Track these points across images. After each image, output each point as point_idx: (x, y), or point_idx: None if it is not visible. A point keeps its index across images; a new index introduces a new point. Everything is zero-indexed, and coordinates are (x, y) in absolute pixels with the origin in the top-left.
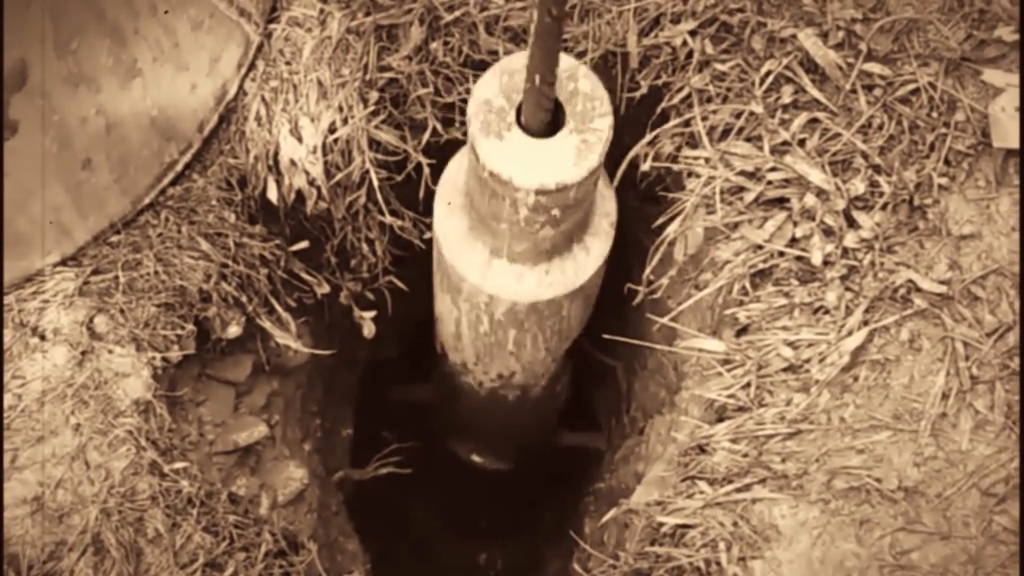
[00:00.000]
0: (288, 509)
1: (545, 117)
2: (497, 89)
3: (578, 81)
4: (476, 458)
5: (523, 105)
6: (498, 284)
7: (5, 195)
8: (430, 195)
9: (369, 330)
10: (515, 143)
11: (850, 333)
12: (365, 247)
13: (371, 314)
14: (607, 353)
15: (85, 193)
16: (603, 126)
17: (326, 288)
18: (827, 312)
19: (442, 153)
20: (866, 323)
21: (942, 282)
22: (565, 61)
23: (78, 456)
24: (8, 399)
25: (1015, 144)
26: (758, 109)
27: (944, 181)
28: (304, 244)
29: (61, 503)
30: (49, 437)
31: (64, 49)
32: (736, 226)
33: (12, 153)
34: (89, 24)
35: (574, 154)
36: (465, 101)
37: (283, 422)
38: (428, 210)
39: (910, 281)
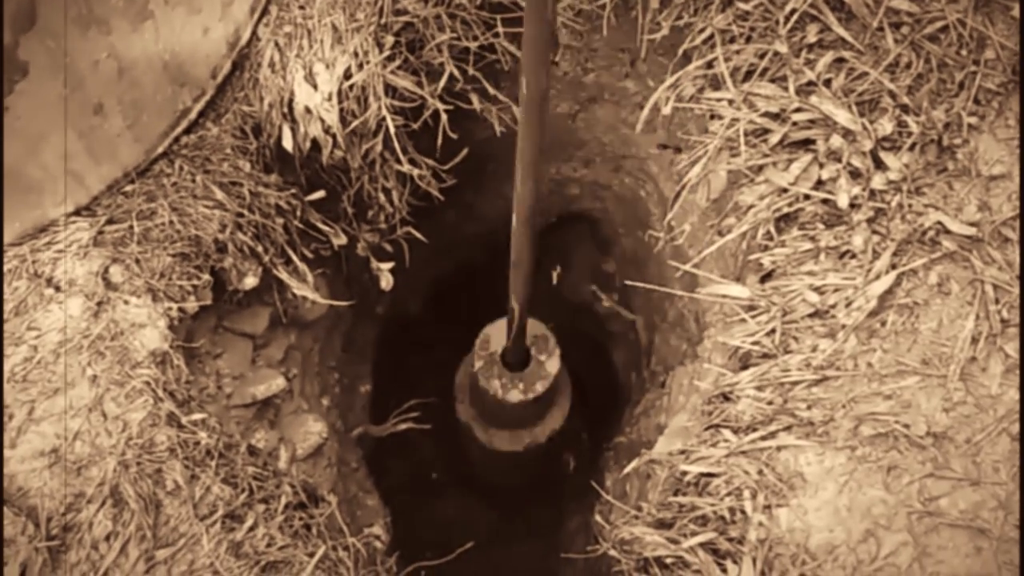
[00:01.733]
0: (307, 463)
1: (522, 357)
2: (490, 342)
3: (538, 335)
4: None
5: (506, 352)
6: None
7: (16, 139)
8: (448, 143)
9: (387, 282)
10: (503, 374)
11: (877, 277)
12: (382, 197)
13: (389, 265)
14: (626, 307)
15: (97, 139)
16: (554, 362)
17: (343, 239)
18: (854, 256)
19: (460, 99)
20: (894, 267)
21: (972, 224)
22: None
23: (95, 408)
24: (24, 351)
25: None
26: (783, 49)
27: (974, 120)
28: (320, 194)
29: (79, 455)
30: (66, 389)
31: None
32: (760, 169)
33: (23, 96)
34: None
35: (539, 377)
36: (483, 47)
37: (301, 376)
38: (445, 158)
39: (939, 223)
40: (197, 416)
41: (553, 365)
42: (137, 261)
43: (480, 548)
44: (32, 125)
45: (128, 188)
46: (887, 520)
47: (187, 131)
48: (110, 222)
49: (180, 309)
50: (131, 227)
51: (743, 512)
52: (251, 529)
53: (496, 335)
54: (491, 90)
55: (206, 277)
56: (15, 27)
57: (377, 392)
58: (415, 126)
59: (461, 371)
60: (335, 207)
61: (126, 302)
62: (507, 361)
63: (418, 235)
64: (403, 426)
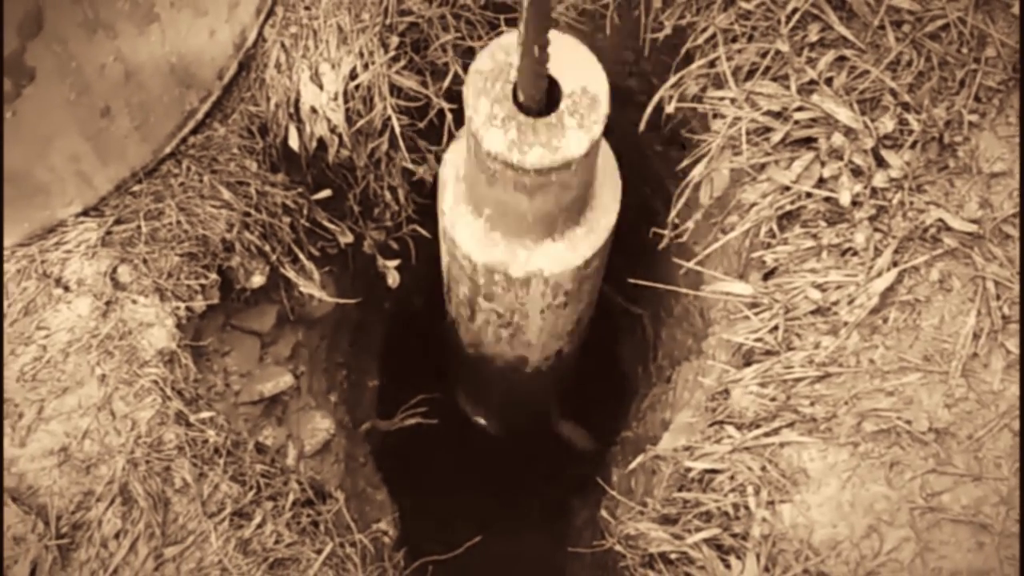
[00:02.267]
0: (315, 459)
1: (541, 94)
2: (492, 70)
3: (571, 54)
4: (480, 420)
5: (519, 84)
6: (507, 261)
7: (24, 142)
8: (453, 141)
9: (393, 279)
10: (514, 124)
11: (879, 274)
12: (388, 195)
13: (395, 263)
14: (632, 301)
15: (105, 141)
16: (601, 97)
17: (349, 237)
18: (856, 253)
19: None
20: (895, 264)
21: (973, 221)
22: (558, 36)
23: (104, 406)
24: (33, 350)
25: None
26: (784, 48)
27: (974, 118)
28: (327, 193)
29: (88, 453)
30: (74, 388)
31: None
32: (762, 167)
33: (30, 101)
34: None
35: (574, 129)
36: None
37: (309, 373)
38: None
39: (940, 220)
40: (205, 414)
41: (582, 139)
42: (145, 261)
43: (488, 542)
44: (40, 129)
45: (136, 188)
46: (890, 516)
47: (194, 131)
48: (118, 222)
49: (188, 308)
50: (139, 227)
51: (747, 508)
52: (259, 526)
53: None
54: None
55: (213, 276)
56: (22, 33)
57: (385, 387)
58: (421, 125)
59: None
60: (341, 205)
61: (134, 301)
62: (521, 101)
63: (424, 232)
64: (411, 421)
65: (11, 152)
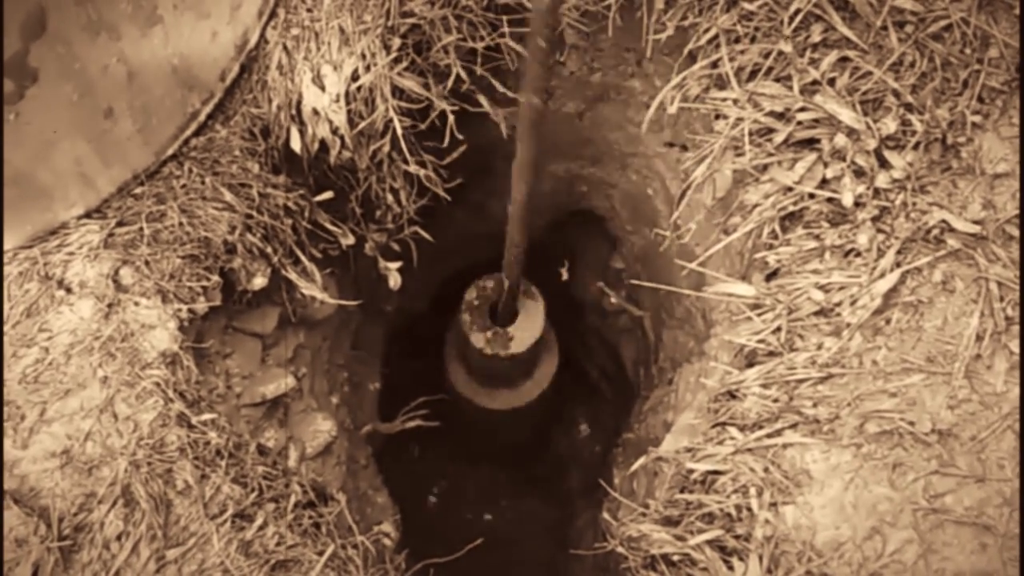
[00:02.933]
0: (316, 461)
1: (511, 318)
2: (476, 296)
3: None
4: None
5: (499, 310)
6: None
7: (26, 145)
8: (455, 143)
9: (395, 281)
10: (491, 330)
11: (882, 275)
12: (390, 197)
13: (397, 265)
14: (634, 304)
15: (108, 143)
16: (539, 320)
17: (351, 239)
18: (859, 254)
19: (466, 100)
20: (898, 265)
21: (976, 222)
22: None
23: (106, 408)
24: (35, 352)
25: None
26: (787, 48)
27: (977, 119)
28: (328, 194)
29: (90, 455)
30: (77, 390)
31: None
32: (765, 168)
33: (33, 101)
34: None
35: (524, 334)
36: (489, 47)
37: (310, 374)
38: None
39: (943, 221)
40: (207, 416)
41: (536, 326)
42: (147, 263)
43: (489, 545)
44: (43, 130)
45: (138, 190)
46: (892, 517)
47: (196, 133)
48: (120, 224)
49: (190, 310)
50: (141, 229)
51: (749, 509)
52: (261, 528)
53: (487, 290)
54: (499, 89)
55: (215, 278)
56: (25, 34)
57: (386, 390)
58: (423, 126)
59: (452, 329)
60: (343, 207)
61: (136, 304)
62: (495, 317)
63: (425, 235)
64: (412, 423)
65: (14, 154)
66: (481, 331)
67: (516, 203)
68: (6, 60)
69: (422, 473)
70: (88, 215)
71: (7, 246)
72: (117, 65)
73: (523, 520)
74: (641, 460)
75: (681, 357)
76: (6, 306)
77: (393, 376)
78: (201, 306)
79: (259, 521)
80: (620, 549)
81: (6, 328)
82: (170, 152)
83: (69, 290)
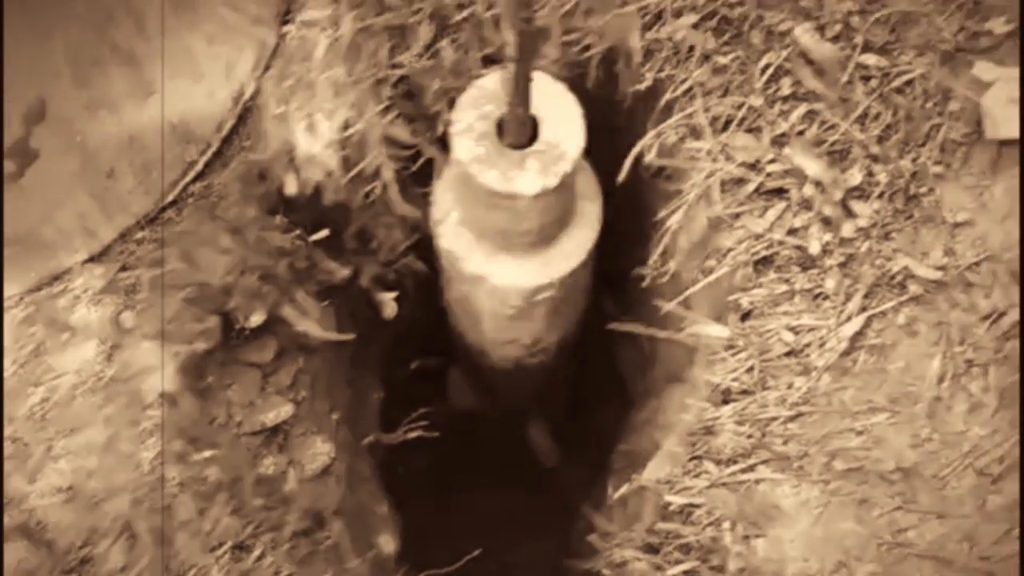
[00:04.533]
0: (315, 482)
1: (525, 133)
2: (476, 112)
3: (548, 92)
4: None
5: (505, 126)
6: (505, 275)
7: (30, 211)
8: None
9: (391, 310)
10: (501, 158)
11: (849, 319)
12: (383, 232)
13: (392, 295)
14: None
15: (110, 199)
16: (576, 130)
17: (346, 272)
18: (827, 298)
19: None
20: (864, 309)
21: (938, 268)
22: (548, 82)
23: (109, 447)
24: (42, 391)
25: (1008, 135)
26: (757, 102)
27: (939, 169)
28: (324, 233)
29: (94, 491)
30: (81, 428)
31: (82, 82)
32: (738, 216)
33: (35, 174)
34: (104, 56)
35: (552, 160)
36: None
37: (310, 397)
38: None
39: (906, 268)
40: (206, 453)
41: (575, 140)
42: (148, 307)
43: (489, 555)
44: (45, 197)
45: (138, 235)
46: (859, 551)
47: (195, 180)
48: (122, 269)
49: (190, 350)
50: (140, 274)
51: (723, 542)
52: (259, 559)
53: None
54: None
55: (214, 319)
56: (27, 121)
57: (388, 400)
58: (414, 168)
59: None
60: (338, 243)
61: (138, 346)
62: (505, 135)
63: (420, 265)
64: (414, 434)
65: (17, 219)
66: (485, 161)
67: None
68: (8, 147)
69: (423, 485)
70: (91, 259)
71: (12, 291)
72: (118, 132)
73: (523, 531)
74: (624, 488)
75: (673, 369)
76: (14, 347)
77: (395, 386)
78: (200, 347)
79: (257, 551)
80: (606, 572)
81: (15, 368)
82: (170, 199)
83: (73, 332)
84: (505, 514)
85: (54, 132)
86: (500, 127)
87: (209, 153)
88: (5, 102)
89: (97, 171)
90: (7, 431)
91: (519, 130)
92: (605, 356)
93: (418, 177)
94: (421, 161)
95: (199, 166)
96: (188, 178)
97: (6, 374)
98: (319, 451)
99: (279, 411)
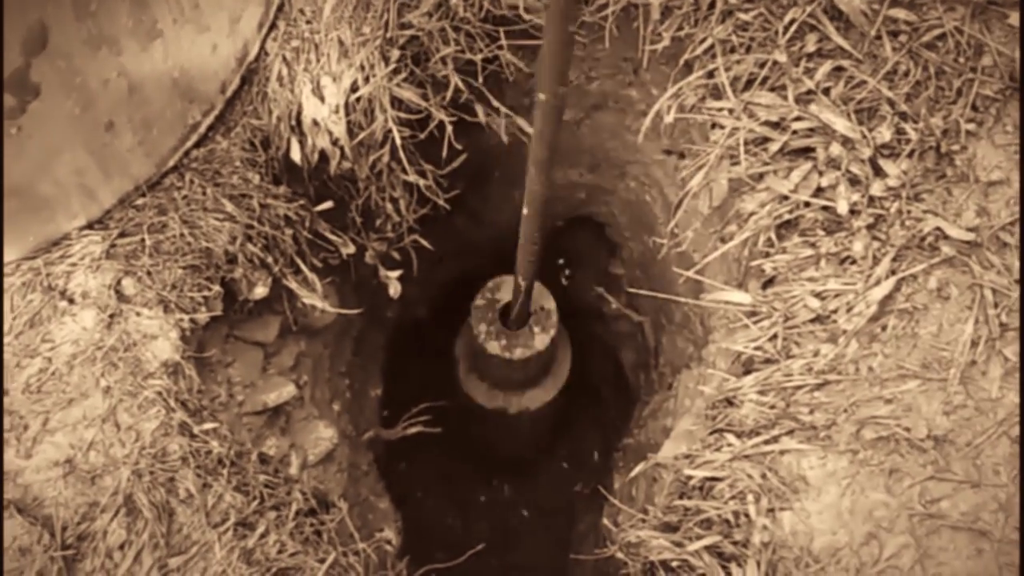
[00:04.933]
0: (318, 469)
1: (525, 320)
2: (487, 303)
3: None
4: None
5: (511, 314)
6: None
7: (27, 158)
8: (453, 153)
9: (395, 289)
10: (504, 334)
11: (878, 282)
12: (389, 206)
13: (397, 273)
14: (633, 309)
15: (109, 155)
16: (552, 318)
17: (351, 248)
18: (854, 262)
19: (465, 110)
20: (894, 272)
21: (970, 229)
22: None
23: (108, 418)
24: (38, 362)
25: None
26: (782, 58)
27: (971, 127)
28: (328, 204)
29: (93, 465)
30: (79, 400)
31: (84, 11)
32: (761, 177)
33: (35, 116)
34: None
35: (538, 336)
36: (487, 59)
37: (312, 382)
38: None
39: (938, 229)
40: (209, 425)
41: (545, 339)
42: (149, 273)
43: (491, 550)
44: (44, 143)
45: (139, 201)
46: (889, 523)
47: (197, 145)
48: (122, 235)
49: (191, 320)
50: (143, 240)
51: (747, 516)
52: (263, 536)
53: (496, 293)
54: (495, 101)
55: (217, 288)
56: (26, 50)
57: (388, 396)
58: (421, 136)
59: (462, 334)
60: (343, 216)
61: (138, 314)
62: (507, 320)
63: (425, 243)
64: (413, 429)
65: (16, 167)
66: (495, 337)
67: (534, 197)
68: (7, 76)
69: (424, 478)
70: (90, 226)
71: (10, 257)
72: (118, 79)
73: (525, 525)
74: (640, 466)
75: (680, 362)
76: (9, 316)
77: (395, 381)
78: (202, 316)
79: (261, 529)
80: (620, 555)
81: (9, 339)
82: (171, 163)
83: (72, 301)
84: (509, 509)
85: (54, 68)
86: (504, 313)
87: (212, 116)
88: (5, 23)
89: (96, 121)
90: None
91: (519, 318)
92: (606, 354)
93: (426, 146)
94: (431, 127)
95: (202, 129)
96: (190, 143)
97: None
98: (322, 436)
99: (281, 391)
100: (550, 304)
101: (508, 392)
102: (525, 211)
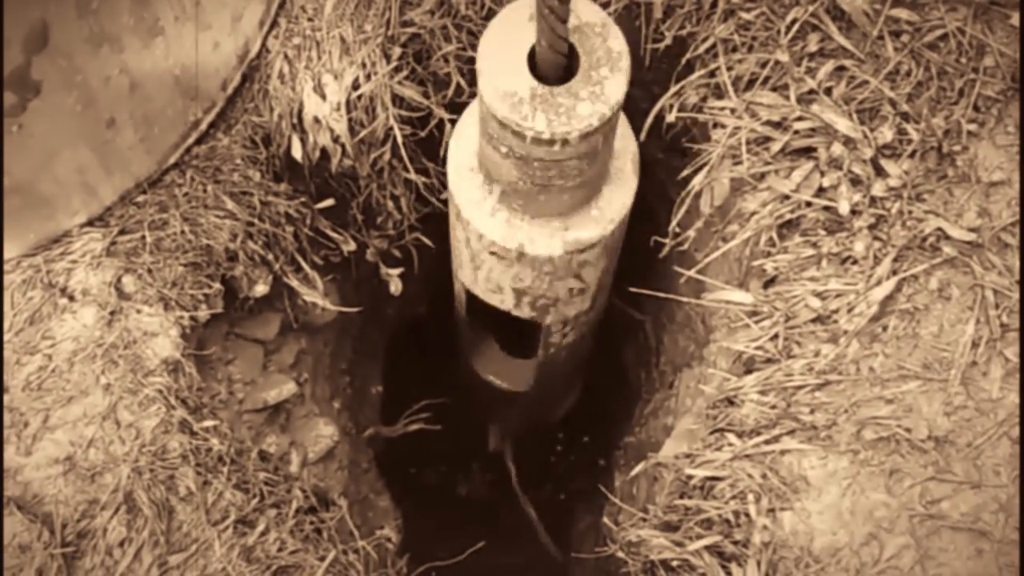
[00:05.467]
0: (318, 466)
1: (559, 60)
2: (507, 37)
3: (590, 22)
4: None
5: (536, 49)
6: (522, 240)
7: (29, 156)
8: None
9: (396, 287)
10: (529, 93)
11: (879, 283)
12: (390, 204)
13: (398, 271)
14: (635, 307)
15: (110, 152)
16: (622, 68)
17: (352, 246)
18: (855, 262)
19: (465, 108)
20: (895, 272)
21: (971, 230)
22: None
23: (109, 415)
24: (39, 359)
25: None
26: (784, 58)
27: (973, 127)
28: (330, 202)
29: (93, 462)
30: (80, 397)
31: (85, 9)
32: (762, 176)
33: (36, 114)
34: None
35: (589, 100)
36: None
37: (312, 380)
38: None
39: (939, 229)
40: (209, 423)
41: (618, 81)
42: (149, 271)
43: (491, 548)
44: (45, 141)
45: (140, 198)
46: (889, 523)
47: (198, 142)
48: (123, 232)
49: (192, 317)
50: (143, 237)
51: (747, 515)
52: (263, 534)
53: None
54: None
55: (217, 286)
56: (27, 48)
57: (388, 393)
58: (422, 134)
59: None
60: (344, 214)
61: (139, 311)
62: (539, 69)
63: (426, 241)
64: (414, 427)
65: (17, 164)
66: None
67: None
68: (8, 74)
69: (425, 476)
70: (91, 223)
71: (10, 254)
72: (119, 76)
73: (524, 524)
74: (641, 465)
75: (681, 362)
76: (10, 314)
77: (395, 379)
78: (203, 313)
79: (261, 527)
80: (620, 554)
81: (10, 336)
82: (172, 160)
83: (72, 298)
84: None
85: (55, 65)
86: (532, 59)
87: (214, 113)
88: (5, 21)
89: (97, 118)
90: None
91: (555, 63)
92: (607, 353)
93: (427, 144)
94: (431, 126)
95: (203, 126)
96: (191, 140)
97: None
98: (322, 433)
99: (281, 389)
100: (616, 44)
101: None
102: None
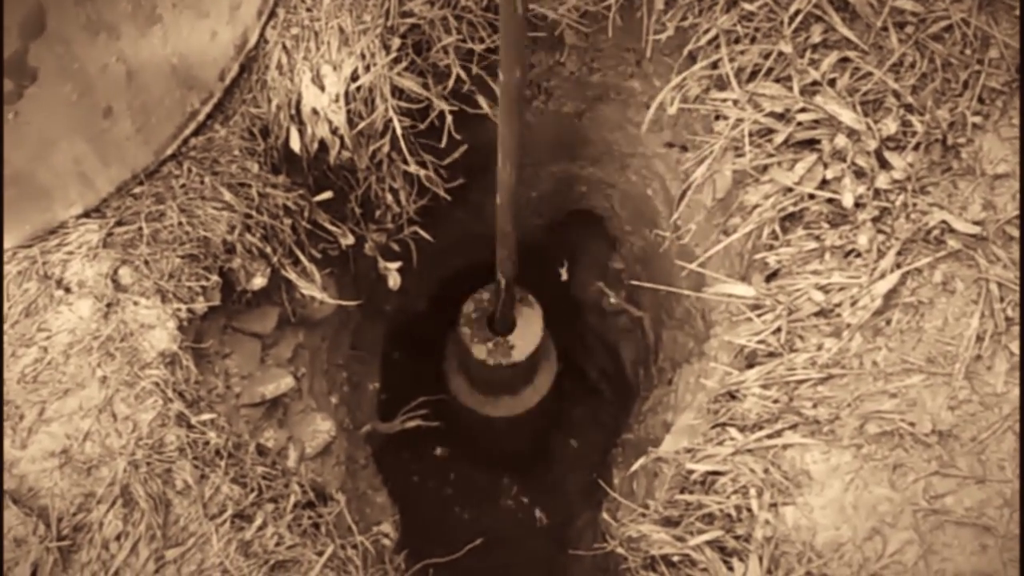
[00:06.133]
0: (316, 461)
1: (510, 325)
2: (473, 309)
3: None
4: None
5: (496, 319)
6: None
7: (25, 145)
8: (454, 143)
9: (395, 281)
10: (490, 339)
11: (882, 276)
12: (389, 197)
13: (396, 265)
14: (633, 304)
15: (107, 142)
16: (537, 328)
17: (351, 239)
18: (859, 255)
19: (466, 100)
20: (899, 265)
21: (976, 223)
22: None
23: (105, 408)
24: (34, 352)
25: None
26: (787, 49)
27: (978, 119)
28: (328, 194)
29: (89, 455)
30: (76, 390)
31: None
32: (765, 169)
33: (32, 101)
34: None
35: (523, 342)
36: (489, 48)
37: (310, 374)
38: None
39: (943, 222)
40: (206, 416)
41: (535, 333)
42: (146, 262)
43: (489, 544)
44: (42, 130)
45: (137, 190)
46: (893, 518)
47: (195, 133)
48: (119, 224)
49: (189, 310)
50: (140, 228)
51: (749, 510)
52: (260, 528)
53: (484, 302)
54: (497, 91)
55: (215, 278)
56: (24, 34)
57: (386, 389)
58: (422, 126)
59: (451, 342)
60: (342, 207)
61: (135, 303)
62: (494, 326)
63: (425, 235)
64: (411, 423)
65: (13, 153)
66: (482, 342)
67: (503, 187)
68: (5, 60)
69: (422, 473)
70: (87, 214)
71: (6, 246)
72: (116, 64)
73: (523, 520)
74: (641, 460)
75: (681, 357)
76: (5, 305)
77: (392, 375)
78: (200, 306)
79: (258, 521)
80: (620, 550)
81: (5, 328)
82: (169, 152)
83: (68, 290)
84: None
85: (52, 52)
86: (491, 321)
87: (211, 104)
88: (3, 6)
89: (94, 107)
90: None
91: (503, 321)
92: (605, 350)
93: (426, 136)
94: (431, 117)
95: (201, 117)
96: (189, 130)
97: None
98: (320, 428)
99: (279, 383)
100: (535, 315)
101: (492, 396)
102: (498, 201)
